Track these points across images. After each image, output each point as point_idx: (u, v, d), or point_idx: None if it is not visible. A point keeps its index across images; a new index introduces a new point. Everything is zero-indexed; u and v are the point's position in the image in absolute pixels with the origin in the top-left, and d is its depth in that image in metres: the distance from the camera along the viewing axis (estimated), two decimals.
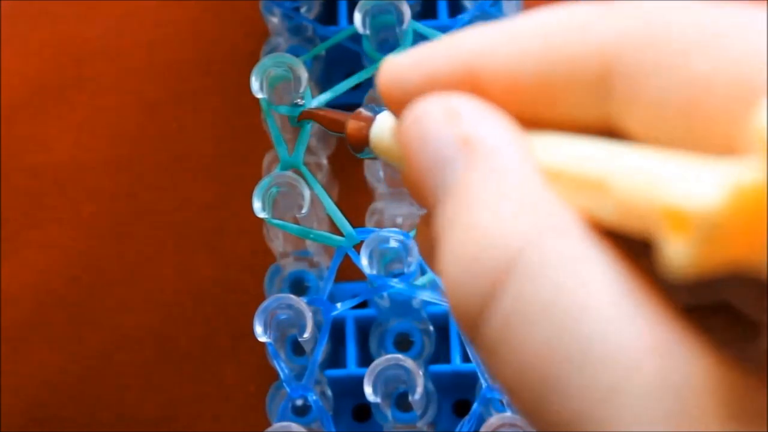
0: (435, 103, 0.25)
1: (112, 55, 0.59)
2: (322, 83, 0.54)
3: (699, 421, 0.22)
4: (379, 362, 0.44)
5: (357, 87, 0.56)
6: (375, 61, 0.49)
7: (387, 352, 0.49)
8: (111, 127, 0.58)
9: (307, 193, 0.46)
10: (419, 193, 0.26)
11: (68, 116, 0.58)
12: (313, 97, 0.51)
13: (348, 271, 0.49)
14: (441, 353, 0.50)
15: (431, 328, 0.50)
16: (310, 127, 0.48)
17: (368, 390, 0.44)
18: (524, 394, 0.23)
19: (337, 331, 0.50)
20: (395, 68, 0.27)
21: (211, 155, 0.57)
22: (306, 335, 0.45)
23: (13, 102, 0.58)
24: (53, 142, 0.58)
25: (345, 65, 0.56)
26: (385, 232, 0.45)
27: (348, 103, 0.56)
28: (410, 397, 0.44)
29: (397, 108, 0.27)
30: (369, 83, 0.55)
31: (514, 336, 0.23)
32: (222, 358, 0.54)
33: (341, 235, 0.47)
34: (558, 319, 0.23)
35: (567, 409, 0.23)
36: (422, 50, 0.27)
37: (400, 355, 0.44)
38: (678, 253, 0.20)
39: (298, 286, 0.51)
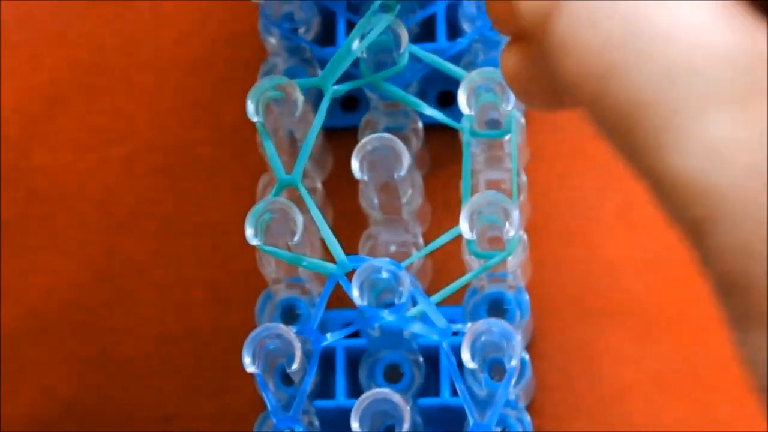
0: None
1: (108, 75, 0.59)
2: (318, 105, 0.54)
3: None
4: (366, 396, 0.43)
5: (353, 109, 0.56)
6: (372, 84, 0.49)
7: (376, 383, 0.49)
8: (102, 152, 0.57)
9: (299, 219, 0.46)
10: None
11: (66, 133, 0.58)
12: (306, 120, 0.50)
13: (340, 297, 0.49)
14: (431, 386, 0.50)
15: (421, 359, 0.49)
16: (312, 144, 0.48)
17: (355, 425, 0.43)
18: (589, 85, 0.25)
19: (326, 360, 0.50)
20: None
21: (207, 176, 0.57)
22: (294, 366, 0.44)
23: (13, 111, 0.58)
24: (50, 157, 0.58)
25: None
26: (377, 262, 0.45)
27: (342, 126, 0.55)
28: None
29: None
30: (365, 107, 0.54)
31: (584, 28, 0.25)
32: (223, 357, 0.54)
33: (334, 260, 0.46)
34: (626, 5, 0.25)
35: (631, 92, 0.24)
36: None
37: (387, 390, 0.44)
38: None
39: (289, 314, 0.50)
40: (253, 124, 0.47)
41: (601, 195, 0.54)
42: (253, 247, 0.47)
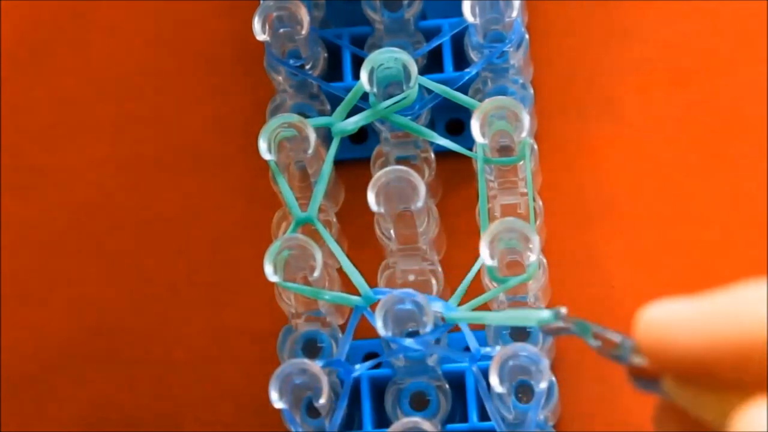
0: None
1: (105, 119, 0.59)
2: (329, 140, 0.54)
3: None
4: (396, 427, 0.44)
5: (362, 142, 0.56)
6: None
7: (403, 412, 0.49)
8: (109, 205, 0.58)
9: (319, 255, 0.46)
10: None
11: (67, 162, 0.58)
12: (317, 155, 0.50)
13: (360, 327, 0.49)
14: (457, 411, 0.50)
15: (447, 386, 0.49)
16: (326, 183, 0.48)
17: None
18: None
19: (351, 391, 0.50)
20: (665, 329, 0.28)
21: (219, 213, 0.57)
22: (321, 401, 0.44)
23: (12, 133, 0.59)
24: (53, 162, 0.58)
25: None
26: (400, 293, 0.45)
27: (352, 158, 0.56)
28: None
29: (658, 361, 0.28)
30: (375, 139, 0.55)
31: None
32: (226, 360, 0.54)
33: (354, 293, 0.46)
34: None
35: None
36: (697, 315, 0.28)
37: (418, 418, 0.44)
38: None
39: (310, 347, 0.50)
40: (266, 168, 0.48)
41: (613, 218, 0.55)
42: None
